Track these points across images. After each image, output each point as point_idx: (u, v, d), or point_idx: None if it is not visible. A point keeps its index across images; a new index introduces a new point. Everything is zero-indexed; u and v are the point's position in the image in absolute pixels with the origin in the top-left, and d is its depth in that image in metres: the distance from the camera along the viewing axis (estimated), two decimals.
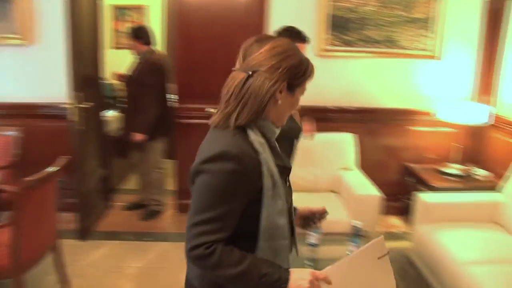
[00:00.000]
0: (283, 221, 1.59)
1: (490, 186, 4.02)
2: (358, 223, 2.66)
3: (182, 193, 4.80)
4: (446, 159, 4.58)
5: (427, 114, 4.63)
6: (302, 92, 1.67)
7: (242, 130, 1.53)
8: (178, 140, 4.70)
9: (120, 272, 3.62)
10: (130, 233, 4.32)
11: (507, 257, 3.08)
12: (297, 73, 1.59)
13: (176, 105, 4.65)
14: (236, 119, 1.52)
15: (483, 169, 4.46)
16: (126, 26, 6.32)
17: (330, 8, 4.48)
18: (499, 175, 4.13)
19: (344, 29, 4.54)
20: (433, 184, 4.14)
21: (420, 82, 4.71)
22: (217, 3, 4.49)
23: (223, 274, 1.49)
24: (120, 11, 7.03)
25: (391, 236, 4.39)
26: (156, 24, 6.57)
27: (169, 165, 5.03)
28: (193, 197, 1.51)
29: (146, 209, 4.78)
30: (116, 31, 6.98)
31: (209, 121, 1.61)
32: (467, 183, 4.21)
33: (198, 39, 4.55)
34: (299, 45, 3.10)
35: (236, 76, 1.56)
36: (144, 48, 4.56)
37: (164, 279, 3.55)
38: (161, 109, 4.54)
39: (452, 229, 3.44)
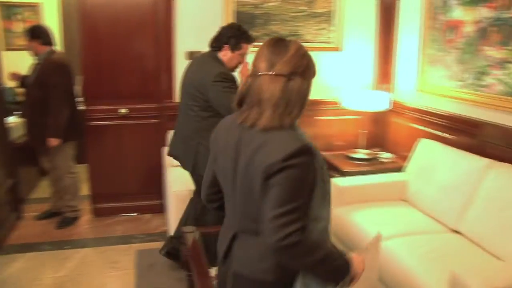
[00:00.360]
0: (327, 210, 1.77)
1: (395, 167, 4.31)
2: None
3: (97, 197, 4.73)
4: (354, 145, 4.84)
5: (334, 103, 4.86)
6: None
7: (292, 128, 1.67)
8: (89, 143, 4.61)
9: (40, 285, 3.51)
10: (46, 243, 4.17)
11: (415, 229, 3.36)
12: (314, 71, 1.75)
13: (84, 107, 4.54)
14: (289, 119, 1.65)
15: (387, 152, 4.77)
16: (21, 26, 6.06)
17: (235, 5, 4.58)
18: (402, 157, 4.46)
19: (250, 24, 4.65)
20: (344, 169, 4.37)
21: (325, 73, 4.93)
22: (122, 1, 4.42)
23: (312, 259, 1.59)
24: (9, 10, 6.63)
25: None
26: (52, 22, 6.30)
27: (81, 170, 4.91)
28: (274, 191, 1.57)
29: (62, 217, 4.63)
30: (8, 31, 6.63)
31: (256, 124, 1.66)
32: (374, 166, 4.48)
33: (104, 39, 4.46)
34: (245, 46, 3.15)
35: (274, 80, 1.65)
36: (43, 48, 4.34)
37: (87, 285, 3.50)
38: (71, 111, 4.37)
39: (364, 209, 3.69)
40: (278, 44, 1.70)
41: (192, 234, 3.24)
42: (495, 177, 3.16)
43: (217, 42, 3.30)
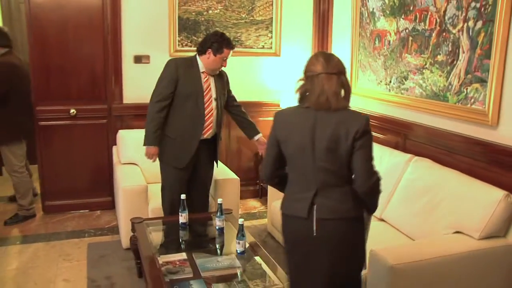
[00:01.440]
0: None
1: None
2: (220, 201, 3.29)
3: (47, 195, 4.88)
4: None
5: (275, 105, 5.21)
6: None
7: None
8: (40, 143, 4.76)
9: None
10: None
11: None
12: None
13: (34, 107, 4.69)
14: (348, 102, 2.35)
15: None
16: None
17: (180, 12, 4.87)
18: None
19: (193, 30, 4.95)
20: None
21: (265, 77, 5.29)
22: (70, 3, 4.60)
23: (379, 194, 2.41)
24: None
25: (251, 216, 4.91)
26: None
27: (33, 169, 5.06)
28: (364, 150, 2.27)
29: (14, 214, 4.76)
30: None
31: (331, 107, 2.27)
32: None
33: (52, 41, 4.64)
34: (226, 50, 3.57)
35: (333, 77, 2.30)
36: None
37: (40, 277, 3.67)
38: (17, 112, 4.52)
39: None
40: (325, 53, 2.45)
41: (140, 224, 3.52)
42: (413, 170, 3.57)
43: (202, 47, 3.70)
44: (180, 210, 3.45)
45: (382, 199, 3.64)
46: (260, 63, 5.25)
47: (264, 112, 5.23)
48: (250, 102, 5.19)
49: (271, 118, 5.20)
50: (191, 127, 3.71)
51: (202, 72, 3.74)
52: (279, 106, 5.16)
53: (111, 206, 4.99)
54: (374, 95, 4.42)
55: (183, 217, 3.45)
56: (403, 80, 3.98)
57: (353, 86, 4.74)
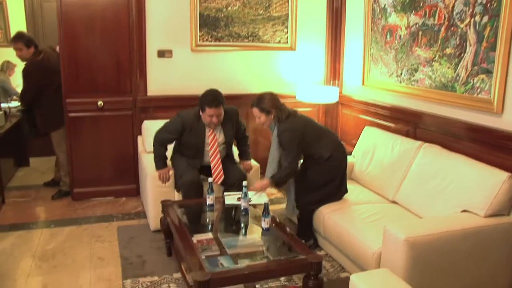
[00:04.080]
0: None
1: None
2: (245, 183, 3.62)
3: (76, 182, 5.16)
4: None
5: (292, 97, 5.45)
6: None
7: None
8: (69, 133, 5.04)
9: (32, 255, 3.92)
10: (32, 223, 4.58)
11: (358, 201, 4.03)
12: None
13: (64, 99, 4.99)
14: None
15: None
16: None
17: (201, 9, 5.14)
18: (351, 144, 5.11)
19: (214, 26, 5.22)
20: None
21: (281, 70, 5.56)
22: (97, 1, 4.86)
23: None
24: None
25: (271, 202, 5.15)
26: (17, 19, 6.62)
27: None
28: None
29: (57, 190, 5.36)
30: None
31: None
32: None
33: (81, 37, 4.91)
34: (207, 109, 4.10)
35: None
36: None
37: (77, 254, 3.94)
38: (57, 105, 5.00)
39: None
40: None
41: (171, 206, 3.79)
42: (423, 155, 3.83)
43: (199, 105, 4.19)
44: (208, 192, 3.73)
45: (394, 182, 3.96)
46: (276, 57, 5.52)
47: None
48: None
49: None
50: (194, 160, 4.30)
51: (207, 126, 4.23)
52: (294, 97, 5.41)
53: (135, 193, 5.28)
54: (386, 87, 4.67)
55: (210, 199, 3.72)
56: (414, 72, 4.23)
57: (366, 79, 5.01)
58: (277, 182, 3.95)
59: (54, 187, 5.46)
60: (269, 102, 3.95)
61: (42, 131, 5.24)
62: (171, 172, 4.28)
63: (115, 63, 5.04)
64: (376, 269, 3.06)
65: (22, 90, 5.16)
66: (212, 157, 4.24)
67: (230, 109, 4.36)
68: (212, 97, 4.10)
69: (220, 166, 4.23)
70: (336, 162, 3.99)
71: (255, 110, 4.00)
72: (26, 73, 5.01)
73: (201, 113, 4.15)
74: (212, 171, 4.20)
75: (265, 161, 5.45)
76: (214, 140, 4.25)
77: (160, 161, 4.26)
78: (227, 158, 4.40)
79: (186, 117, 4.23)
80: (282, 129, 3.90)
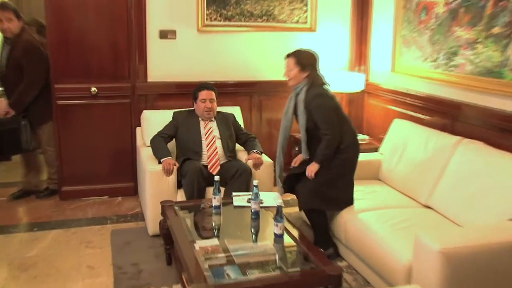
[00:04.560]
0: None
1: (370, 149, 4.81)
2: (256, 183, 3.48)
3: (65, 179, 5.09)
4: None
5: None
6: None
7: None
8: (58, 123, 4.96)
9: (11, 264, 3.82)
10: (12, 226, 4.49)
11: (386, 204, 3.90)
12: None
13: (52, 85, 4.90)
14: None
15: (362, 134, 5.28)
16: None
17: None
18: (378, 139, 4.99)
19: (223, 4, 5.09)
20: None
21: None
22: None
23: None
24: None
25: (284, 203, 5.02)
26: None
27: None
28: None
29: (45, 188, 5.27)
30: None
31: None
32: None
33: (72, 14, 4.82)
34: (201, 92, 4.48)
35: None
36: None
37: (62, 263, 3.84)
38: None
39: None
40: None
41: (170, 208, 3.69)
42: (463, 153, 3.69)
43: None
44: (213, 192, 3.61)
45: (427, 184, 3.81)
46: (294, 39, 5.37)
47: None
48: (283, 81, 5.29)
49: None
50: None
51: (202, 120, 4.51)
52: None
53: (133, 192, 5.20)
54: (419, 73, 4.54)
55: (216, 200, 3.61)
56: (452, 56, 4.08)
57: (396, 64, 4.87)
58: (323, 160, 3.82)
59: (23, 199, 5.18)
60: (309, 58, 3.91)
61: (35, 125, 4.97)
62: (176, 166, 4.24)
63: (111, 44, 4.95)
64: (406, 285, 2.95)
65: (27, 83, 4.80)
66: (209, 146, 4.39)
67: (227, 113, 4.72)
68: (203, 84, 4.57)
69: (217, 156, 4.35)
70: (349, 155, 3.89)
71: (290, 61, 3.93)
72: (32, 59, 4.77)
73: (194, 105, 4.51)
74: (208, 161, 4.33)
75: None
76: (209, 131, 4.46)
77: (162, 151, 4.31)
78: (229, 160, 4.45)
79: (179, 113, 4.59)
80: (314, 93, 3.80)
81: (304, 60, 3.87)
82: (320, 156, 3.79)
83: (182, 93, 4.95)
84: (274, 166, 4.29)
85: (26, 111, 4.86)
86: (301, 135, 3.96)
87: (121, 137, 5.13)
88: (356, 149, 3.93)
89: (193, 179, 4.09)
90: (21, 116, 4.82)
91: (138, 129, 5.03)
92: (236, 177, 4.16)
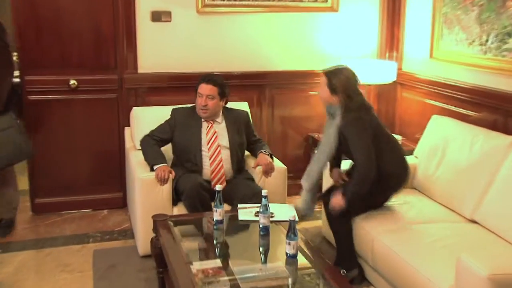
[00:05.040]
0: None
1: (405, 151, 4.75)
2: (265, 192, 3.44)
3: (38, 190, 5.09)
4: None
5: None
6: None
7: None
8: (29, 122, 4.88)
9: None
10: None
11: (421, 218, 3.89)
12: None
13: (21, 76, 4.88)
14: None
15: (395, 133, 5.23)
16: None
17: None
18: (413, 139, 4.95)
19: None
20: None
21: (318, 39, 5.40)
22: None
23: None
24: None
25: (301, 216, 5.00)
26: None
27: None
28: None
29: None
30: None
31: None
32: None
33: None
34: (199, 86, 4.34)
35: None
36: None
37: None
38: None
39: None
40: None
41: (164, 223, 3.66)
42: None
43: None
44: (214, 205, 3.58)
45: (474, 193, 3.76)
46: (312, 21, 5.38)
47: (316, 85, 5.29)
48: (299, 71, 5.31)
49: None
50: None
51: (204, 121, 4.41)
52: None
53: (121, 204, 5.22)
54: (463, 60, 4.52)
55: (218, 213, 3.56)
56: (506, 37, 4.04)
57: (435, 49, 4.84)
58: (352, 198, 3.80)
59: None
60: (342, 83, 3.87)
61: None
62: (172, 174, 4.22)
63: (93, 28, 4.96)
64: None
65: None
66: (212, 159, 4.32)
67: (239, 111, 4.62)
68: (206, 75, 4.42)
69: (222, 170, 4.30)
70: (398, 181, 3.99)
71: (322, 78, 3.97)
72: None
73: (196, 99, 4.38)
74: (212, 177, 4.30)
75: (295, 163, 5.32)
76: (213, 137, 4.36)
77: (155, 156, 4.29)
78: (237, 175, 4.43)
79: (179, 110, 4.49)
80: (350, 118, 3.81)
81: (336, 84, 3.87)
82: (349, 193, 3.80)
83: (179, 86, 4.95)
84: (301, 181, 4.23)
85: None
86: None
87: (106, 138, 5.13)
88: (405, 174, 4.01)
89: (193, 199, 4.08)
90: None
91: (127, 129, 5.03)
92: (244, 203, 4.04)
